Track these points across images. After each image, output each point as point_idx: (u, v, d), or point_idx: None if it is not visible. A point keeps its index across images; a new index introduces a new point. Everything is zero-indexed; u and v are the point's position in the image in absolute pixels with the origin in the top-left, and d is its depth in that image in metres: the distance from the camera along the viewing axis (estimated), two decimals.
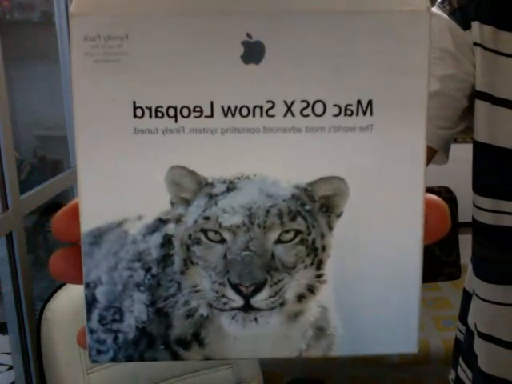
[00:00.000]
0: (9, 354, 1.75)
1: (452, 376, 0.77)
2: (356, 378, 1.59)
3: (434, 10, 0.62)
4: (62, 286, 1.01)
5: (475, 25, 0.57)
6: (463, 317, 0.73)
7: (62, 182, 1.86)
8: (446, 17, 0.61)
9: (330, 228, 0.24)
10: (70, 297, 0.99)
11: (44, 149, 2.99)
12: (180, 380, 1.09)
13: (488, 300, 0.61)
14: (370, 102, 0.23)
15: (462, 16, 0.59)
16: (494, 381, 0.62)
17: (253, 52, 0.22)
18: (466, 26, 0.59)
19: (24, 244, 1.42)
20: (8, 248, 1.36)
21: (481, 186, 0.61)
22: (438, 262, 2.06)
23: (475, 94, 0.59)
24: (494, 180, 0.59)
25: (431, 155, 0.64)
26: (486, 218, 0.60)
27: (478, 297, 0.63)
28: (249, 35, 0.22)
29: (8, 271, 1.37)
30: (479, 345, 0.64)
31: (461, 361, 0.71)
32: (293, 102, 0.23)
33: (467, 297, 0.73)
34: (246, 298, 0.24)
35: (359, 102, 0.23)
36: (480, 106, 0.58)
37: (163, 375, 1.07)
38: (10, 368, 2.21)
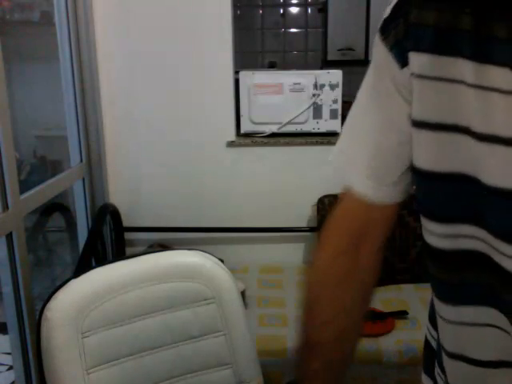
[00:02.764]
0: (9, 353, 1.75)
1: (426, 382, 0.75)
2: (356, 378, 1.59)
3: (377, 39, 0.60)
4: (62, 285, 1.01)
5: (413, 55, 0.54)
6: (433, 319, 0.71)
7: (62, 182, 1.86)
8: (386, 52, 0.58)
9: None
10: (70, 297, 0.99)
11: (44, 149, 2.99)
12: (180, 380, 1.09)
13: (453, 321, 0.59)
14: None
15: (399, 52, 0.56)
16: None
17: None
18: (404, 63, 0.56)
19: (24, 244, 1.42)
20: (8, 248, 1.36)
21: (428, 210, 0.59)
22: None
23: (413, 124, 0.57)
24: (434, 204, 0.58)
25: (394, 210, 0.66)
26: (441, 243, 0.58)
27: (442, 318, 0.62)
28: None
29: (8, 271, 1.37)
30: (448, 362, 0.62)
31: (438, 368, 0.69)
32: None
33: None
34: None
35: None
36: (420, 134, 0.56)
37: (163, 375, 1.07)
38: (10, 368, 2.21)
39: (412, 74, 0.55)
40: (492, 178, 0.49)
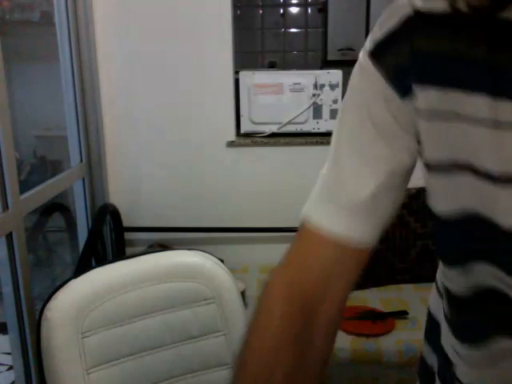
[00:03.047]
0: (9, 354, 1.75)
1: None
2: (356, 378, 1.59)
3: (367, 64, 0.52)
4: (61, 285, 1.01)
5: (418, 88, 0.49)
6: (432, 340, 0.67)
7: (62, 182, 1.86)
8: (382, 80, 0.51)
9: None
10: (70, 297, 0.99)
11: (44, 149, 2.99)
12: (180, 380, 1.09)
13: (471, 359, 0.56)
14: None
15: (400, 80, 0.50)
16: None
17: None
18: (406, 93, 0.50)
19: (24, 244, 1.42)
20: (8, 248, 1.36)
21: (443, 253, 0.54)
22: (437, 262, 2.06)
23: (425, 165, 0.51)
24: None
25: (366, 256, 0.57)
26: (460, 287, 0.53)
27: (458, 353, 0.58)
28: None
29: (8, 271, 1.37)
30: None
31: None
32: None
33: (432, 321, 0.67)
34: None
35: None
36: (432, 176, 0.51)
37: (163, 375, 1.07)
38: (10, 368, 2.21)
39: (417, 109, 0.49)
40: (507, 219, 0.45)
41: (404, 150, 0.53)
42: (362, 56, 0.53)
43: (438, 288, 0.66)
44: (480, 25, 0.44)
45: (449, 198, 0.50)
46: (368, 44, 0.53)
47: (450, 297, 0.56)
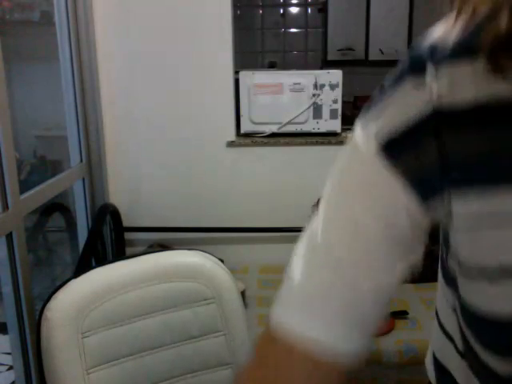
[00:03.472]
0: (9, 354, 1.75)
1: None
2: (356, 379, 1.59)
3: (376, 162, 0.44)
4: (62, 285, 1.01)
5: (456, 192, 0.42)
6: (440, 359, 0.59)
7: (62, 182, 1.86)
8: (398, 183, 0.43)
9: None
10: (70, 297, 0.99)
11: (44, 149, 2.99)
12: (180, 380, 1.09)
13: None
14: None
15: (425, 184, 0.43)
16: None
17: None
18: (431, 196, 0.43)
19: (24, 244, 1.42)
20: (8, 248, 1.36)
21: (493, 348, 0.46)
22: (437, 262, 2.06)
23: (464, 272, 0.45)
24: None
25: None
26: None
27: None
28: None
29: (8, 271, 1.37)
30: None
31: None
32: None
33: (441, 369, 0.60)
34: None
35: None
36: (477, 283, 0.44)
37: (163, 375, 1.07)
38: (10, 368, 2.21)
39: (450, 213, 0.43)
40: None
41: (406, 263, 0.47)
42: (364, 142, 0.45)
43: (446, 332, 0.59)
44: None
45: (499, 301, 0.43)
46: (372, 130, 0.45)
47: (491, 374, 0.47)
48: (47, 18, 2.65)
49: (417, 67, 0.43)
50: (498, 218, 0.41)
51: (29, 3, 2.71)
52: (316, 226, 0.49)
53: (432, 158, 0.42)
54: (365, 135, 0.45)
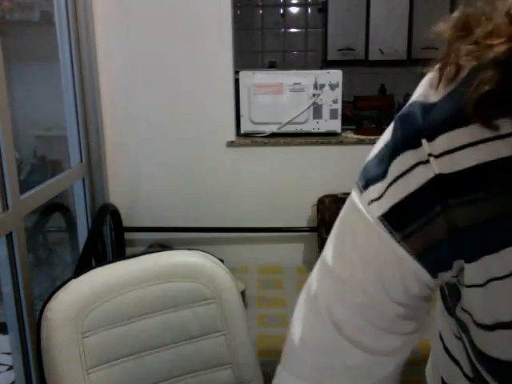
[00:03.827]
0: (9, 354, 1.75)
1: None
2: None
3: (379, 230, 0.44)
4: (62, 285, 1.01)
5: (469, 264, 0.41)
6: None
7: (62, 182, 1.86)
8: (404, 254, 0.43)
9: None
10: (70, 297, 0.99)
11: (44, 149, 2.99)
12: (180, 380, 1.09)
13: None
14: None
15: (434, 258, 0.42)
16: None
17: None
18: (442, 269, 0.43)
19: (24, 244, 1.42)
20: (8, 248, 1.36)
21: None
22: None
23: (482, 327, 0.44)
24: None
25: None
26: None
27: None
28: None
29: (8, 271, 1.37)
30: None
31: None
32: None
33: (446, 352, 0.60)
34: None
35: None
36: (494, 334, 0.43)
37: (163, 375, 1.07)
38: (10, 368, 2.21)
39: (462, 273, 0.43)
40: None
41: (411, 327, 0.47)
42: (364, 208, 0.45)
43: (451, 356, 0.59)
44: None
45: None
46: (371, 196, 0.44)
47: None
48: (47, 18, 2.65)
49: (411, 142, 0.42)
50: (510, 276, 0.40)
51: (29, 3, 2.71)
52: (316, 288, 0.49)
53: (438, 226, 0.41)
54: (365, 204, 0.45)
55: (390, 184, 0.43)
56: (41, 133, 2.98)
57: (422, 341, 0.52)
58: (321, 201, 2.05)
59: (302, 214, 2.16)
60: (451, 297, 0.49)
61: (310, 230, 2.14)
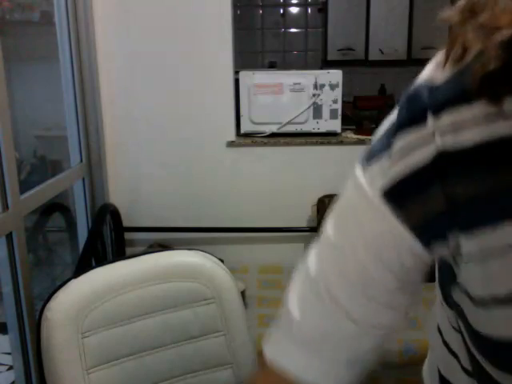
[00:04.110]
0: (9, 354, 1.75)
1: None
2: None
3: (379, 205, 0.45)
4: (62, 285, 1.01)
5: (463, 235, 0.43)
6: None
7: (62, 182, 1.86)
8: (402, 228, 0.45)
9: None
10: (70, 297, 0.99)
11: (44, 149, 2.99)
12: (180, 380, 1.09)
13: None
14: None
15: (430, 230, 0.44)
16: None
17: None
18: (437, 240, 0.44)
19: (24, 244, 1.42)
20: (8, 248, 1.36)
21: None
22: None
23: (477, 302, 0.45)
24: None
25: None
26: None
27: None
28: None
29: (8, 271, 1.37)
30: None
31: None
32: None
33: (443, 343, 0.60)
34: None
35: None
36: (490, 311, 0.44)
37: (163, 375, 1.07)
38: (10, 368, 2.21)
39: (459, 250, 0.44)
40: None
41: (405, 302, 0.50)
42: (368, 185, 0.46)
43: (450, 349, 0.59)
44: None
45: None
46: (376, 179, 0.45)
47: None
48: (47, 18, 2.65)
49: (417, 119, 0.43)
50: (506, 249, 0.41)
51: (29, 3, 2.71)
52: (315, 263, 0.51)
53: (438, 201, 0.42)
54: (368, 179, 0.46)
55: (394, 160, 0.44)
56: (41, 133, 2.98)
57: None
58: (321, 201, 2.05)
59: (302, 214, 2.16)
60: (447, 281, 0.50)
61: (310, 230, 2.14)
